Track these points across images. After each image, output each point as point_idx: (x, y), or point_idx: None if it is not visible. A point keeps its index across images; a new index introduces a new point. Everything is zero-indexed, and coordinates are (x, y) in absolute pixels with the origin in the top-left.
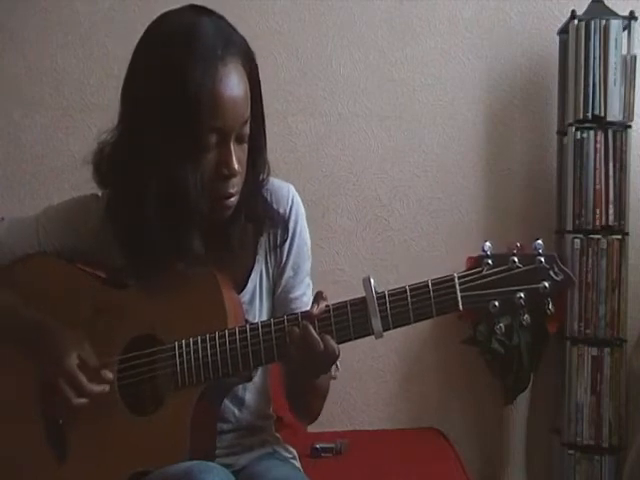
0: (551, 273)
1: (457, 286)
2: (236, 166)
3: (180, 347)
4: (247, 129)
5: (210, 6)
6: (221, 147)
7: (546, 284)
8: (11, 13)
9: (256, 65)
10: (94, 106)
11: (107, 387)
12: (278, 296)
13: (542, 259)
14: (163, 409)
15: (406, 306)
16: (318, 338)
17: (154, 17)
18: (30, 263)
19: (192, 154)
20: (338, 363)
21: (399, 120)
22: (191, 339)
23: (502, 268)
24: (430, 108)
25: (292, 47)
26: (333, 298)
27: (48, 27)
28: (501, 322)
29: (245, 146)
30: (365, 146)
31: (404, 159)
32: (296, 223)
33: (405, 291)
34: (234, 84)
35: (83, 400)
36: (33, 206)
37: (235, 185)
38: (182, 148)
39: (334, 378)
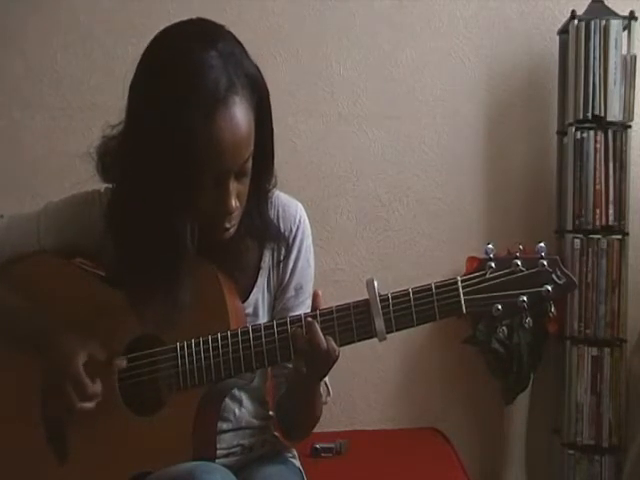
0: (554, 277)
1: (460, 289)
2: (233, 204)
3: (182, 348)
4: (249, 164)
5: (211, 7)
6: (219, 187)
7: (549, 287)
8: (11, 13)
9: (266, 90)
10: (94, 106)
11: (112, 390)
12: (277, 314)
13: (545, 262)
14: (165, 410)
15: (409, 309)
16: (322, 336)
17: (154, 17)
18: (30, 262)
19: (187, 194)
20: (330, 387)
21: (399, 120)
22: (193, 340)
23: (505, 271)
24: (430, 108)
25: (292, 47)
26: (333, 298)
27: (48, 27)
28: (504, 326)
29: (246, 179)
30: (365, 146)
31: (404, 159)
32: (302, 243)
33: (408, 294)
34: (235, 127)
35: (87, 404)
36: (33, 206)
37: (232, 219)
38: (177, 187)
39: (325, 403)
